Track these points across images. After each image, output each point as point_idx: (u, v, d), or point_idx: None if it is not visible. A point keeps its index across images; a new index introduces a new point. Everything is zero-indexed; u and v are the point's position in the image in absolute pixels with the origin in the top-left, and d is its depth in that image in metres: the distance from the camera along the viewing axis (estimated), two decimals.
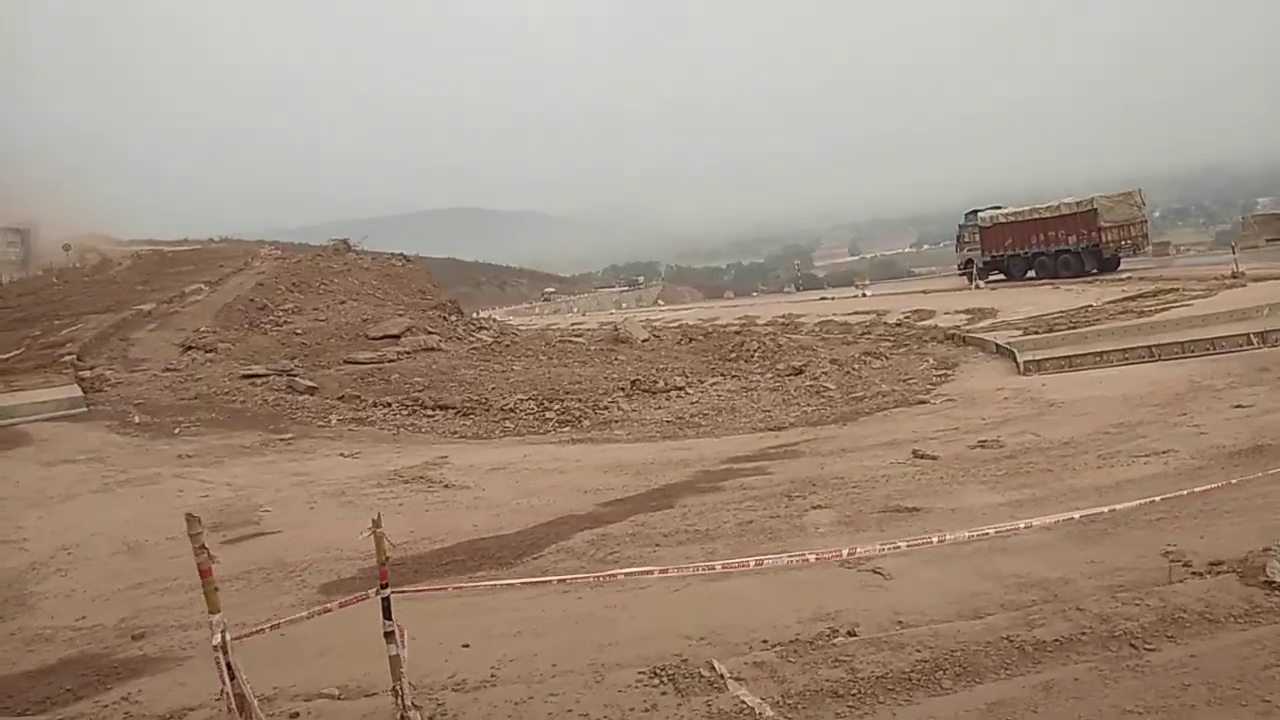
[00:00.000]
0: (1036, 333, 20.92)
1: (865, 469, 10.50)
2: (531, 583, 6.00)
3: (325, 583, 7.78)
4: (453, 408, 15.96)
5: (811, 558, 6.23)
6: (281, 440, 14.11)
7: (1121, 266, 34.68)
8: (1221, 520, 7.21)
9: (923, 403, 15.30)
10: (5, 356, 22.20)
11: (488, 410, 15.82)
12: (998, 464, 10.15)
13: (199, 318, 28.25)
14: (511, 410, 15.79)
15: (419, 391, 18.37)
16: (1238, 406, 11.73)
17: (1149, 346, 16.73)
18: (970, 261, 39.35)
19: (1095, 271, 33.79)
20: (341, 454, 13.18)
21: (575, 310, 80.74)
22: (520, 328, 51.73)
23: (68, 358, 20.78)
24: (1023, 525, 7.22)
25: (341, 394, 17.15)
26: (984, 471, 9.87)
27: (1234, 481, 7.22)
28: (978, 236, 38.73)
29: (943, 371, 19.13)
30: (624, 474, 11.27)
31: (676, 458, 12.12)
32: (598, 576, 6.02)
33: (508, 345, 26.12)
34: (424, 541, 8.74)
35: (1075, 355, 17.24)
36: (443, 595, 6.31)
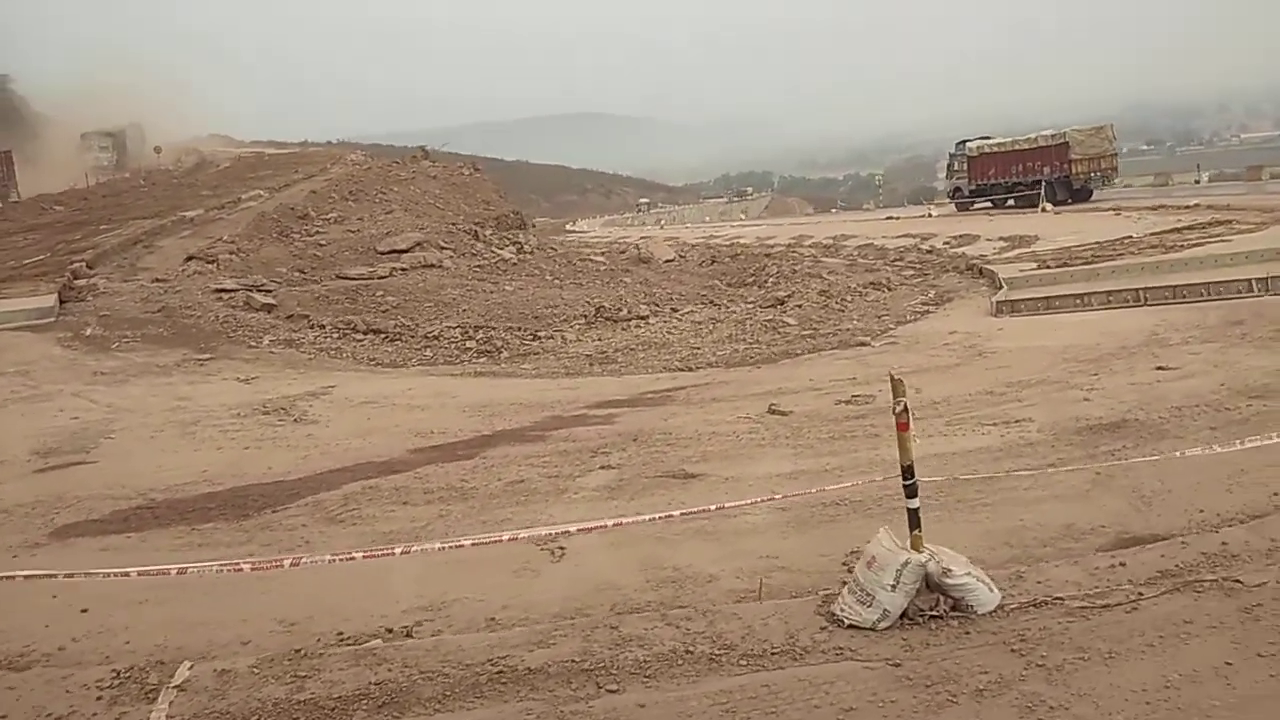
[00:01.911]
0: (1049, 267, 19.38)
1: (708, 423, 9.85)
2: (146, 572, 5.63)
3: (68, 523, 7.75)
4: (382, 332, 15.82)
5: (505, 537, 5.85)
6: (198, 361, 14.26)
7: (1209, 191, 32.80)
8: (955, 515, 6.39)
9: (863, 344, 14.34)
10: (29, 261, 23.24)
11: (413, 337, 15.64)
12: (837, 424, 9.35)
13: (232, 226, 28.82)
14: (435, 338, 15.54)
15: (383, 312, 18.32)
16: (1159, 368, 10.54)
17: (1136, 290, 15.19)
18: (958, 189, 41.11)
19: (1069, 201, 34.74)
20: (239, 378, 13.21)
21: (664, 222, 79.55)
22: (579, 241, 51.57)
23: (74, 266, 21.56)
24: (749, 502, 6.70)
25: (291, 313, 17.23)
26: (814, 433, 9.10)
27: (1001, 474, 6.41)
28: (966, 166, 40.20)
29: (926, 308, 17.96)
30: (480, 415, 10.90)
31: (551, 399, 11.68)
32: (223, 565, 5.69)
33: (514, 264, 25.79)
34: (204, 483, 8.63)
35: (1055, 296, 15.82)
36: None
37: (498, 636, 4.67)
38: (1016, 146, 38.83)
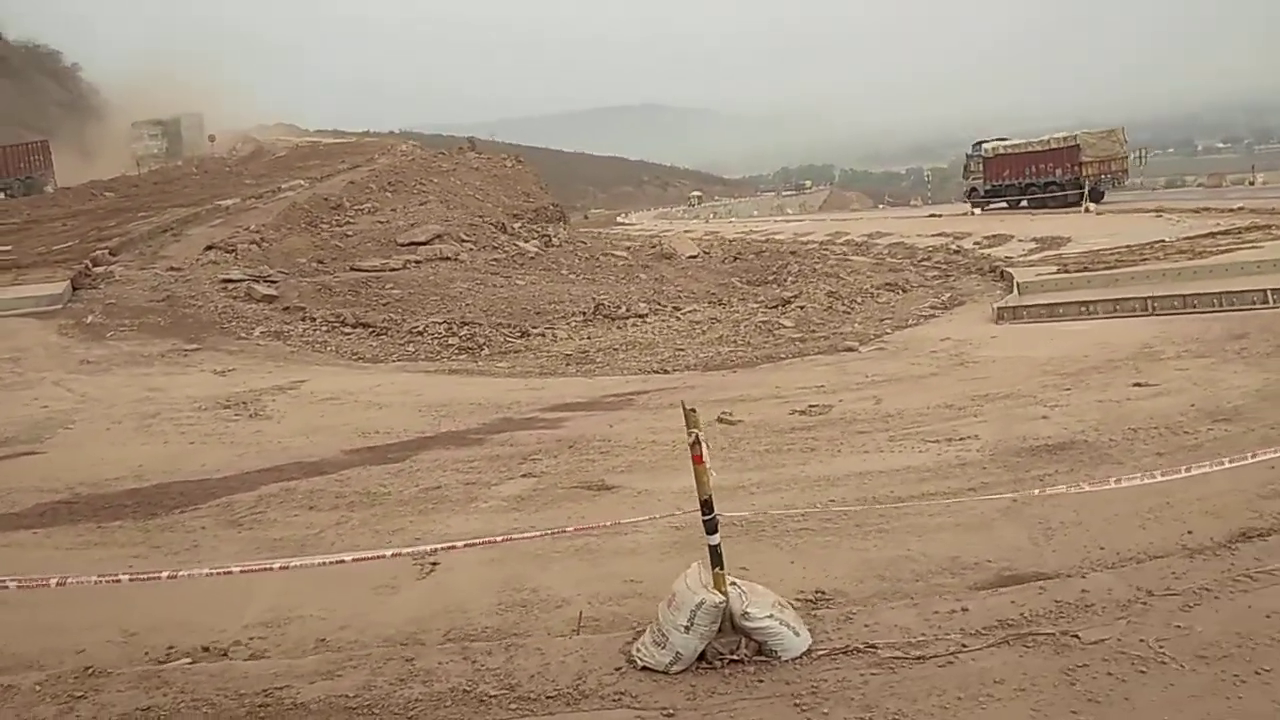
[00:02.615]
0: (1068, 271, 18.68)
1: (651, 431, 9.59)
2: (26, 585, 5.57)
3: None
4: (370, 326, 15.80)
5: (389, 553, 5.71)
6: (183, 351, 14.39)
7: (1262, 194, 31.61)
8: (845, 541, 6.07)
9: (851, 350, 13.93)
10: (58, 247, 23.79)
11: (399, 331, 15.59)
12: (779, 436, 9.04)
13: (264, 215, 29.16)
14: (420, 333, 15.47)
15: (384, 305, 18.37)
16: (1136, 385, 10.00)
17: (1144, 299, 14.50)
18: (974, 189, 41.05)
19: (1079, 203, 34.49)
20: (216, 370, 13.28)
21: (712, 215, 78.84)
22: (622, 234, 51.33)
23: (96, 253, 22.00)
24: (646, 519, 6.46)
25: (288, 305, 17.31)
26: (751, 444, 8.80)
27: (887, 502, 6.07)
28: (981, 166, 40.43)
29: (934, 312, 17.46)
30: (433, 415, 10.78)
31: (511, 399, 11.51)
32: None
33: (532, 258, 25.71)
34: (133, 479, 8.63)
35: (1060, 304, 15.20)
36: None
37: (292, 664, 4.50)
38: (1030, 148, 39.31)
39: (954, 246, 27.16)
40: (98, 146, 55.16)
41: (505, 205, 36.52)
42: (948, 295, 19.45)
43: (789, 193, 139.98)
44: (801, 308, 17.84)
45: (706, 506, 4.18)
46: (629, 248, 31.33)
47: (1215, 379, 9.97)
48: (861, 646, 4.18)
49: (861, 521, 6.35)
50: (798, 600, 5.20)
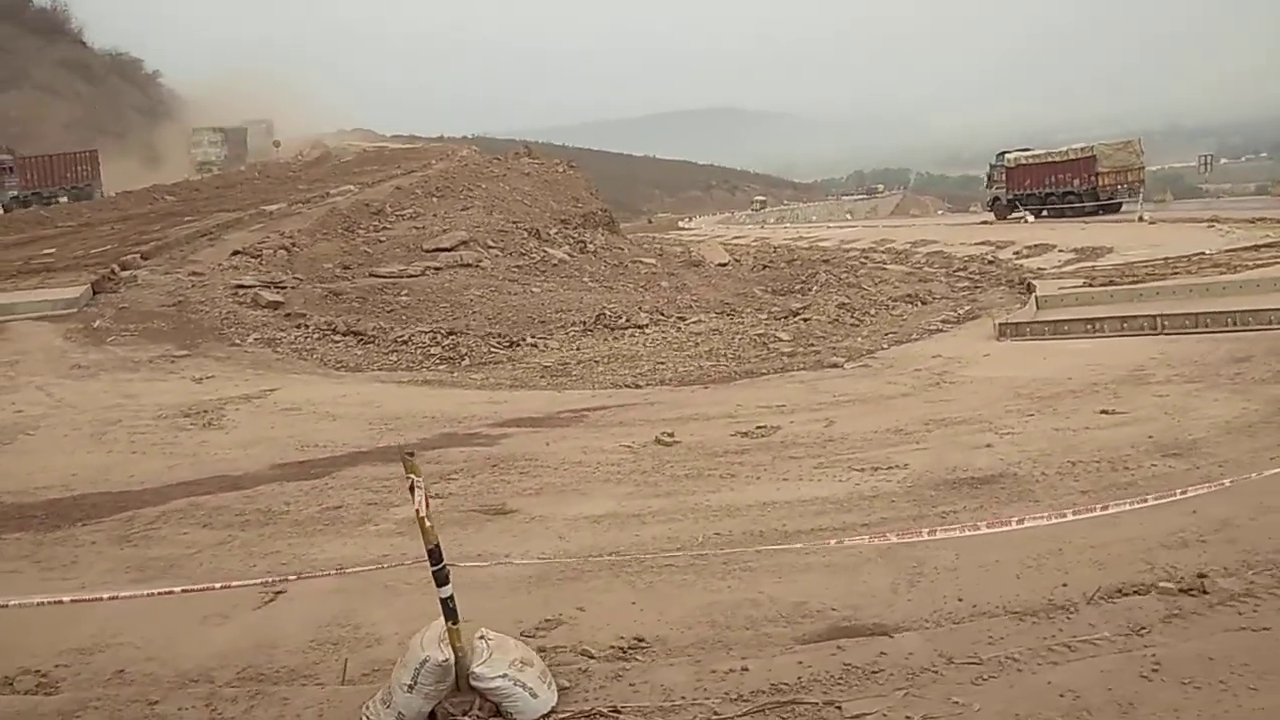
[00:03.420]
0: (1091, 285, 17.87)
1: (585, 450, 9.32)
2: None
3: None
4: (360, 334, 15.80)
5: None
6: (172, 358, 14.53)
7: None
8: (702, 580, 5.73)
9: (835, 366, 13.45)
10: (95, 251, 24.49)
11: (386, 340, 15.55)
12: (710, 459, 8.68)
13: (304, 220, 29.63)
14: (404, 342, 15.40)
15: (389, 312, 18.41)
16: (1103, 412, 9.39)
17: (1154, 317, 13.70)
18: (997, 199, 42.00)
19: (1098, 212, 35.96)
20: (195, 378, 13.41)
21: (773, 220, 78.19)
22: (675, 240, 51.04)
23: (127, 257, 22.55)
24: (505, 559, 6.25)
25: (289, 311, 17.46)
26: (676, 468, 8.47)
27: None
28: (1004, 176, 41.57)
29: (945, 325, 16.85)
30: (380, 429, 10.65)
31: (467, 413, 11.33)
32: None
33: (556, 265, 25.58)
34: (59, 489, 8.66)
35: (1065, 321, 14.47)
36: None
37: (40, 701, 4.37)
38: (1049, 158, 40.80)
39: (990, 257, 26.28)
40: (167, 151, 57.08)
41: (554, 210, 36.44)
42: (966, 309, 18.76)
43: (860, 197, 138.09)
44: (806, 320, 17.36)
45: (433, 556, 3.91)
46: (660, 254, 31.03)
47: (1191, 407, 9.31)
48: (605, 711, 3.87)
49: (730, 559, 6.00)
50: (611, 649, 4.92)
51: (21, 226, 32.05)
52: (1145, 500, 6.14)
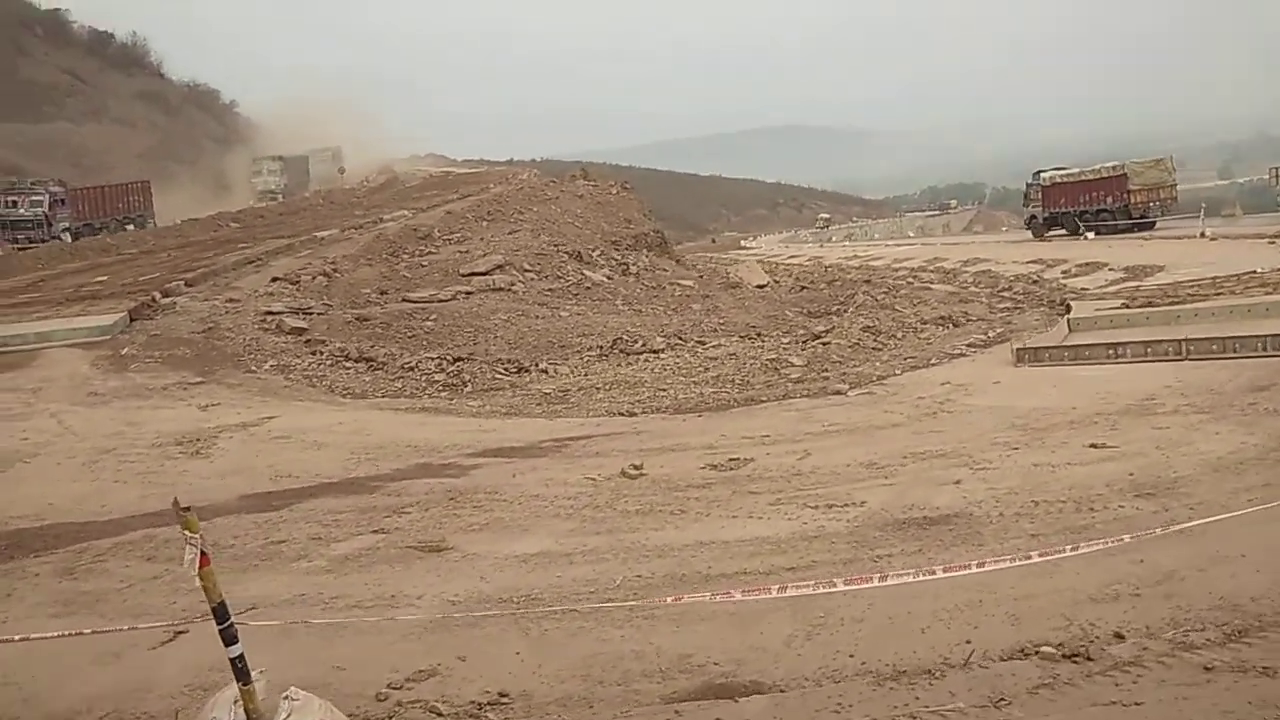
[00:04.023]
0: (1129, 306, 17.12)
1: (549, 483, 9.16)
2: None
3: None
4: (370, 360, 15.90)
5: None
6: (186, 385, 14.81)
7: None
8: (603, 629, 5.50)
9: (838, 393, 13.06)
10: (143, 279, 25.23)
11: (393, 367, 15.61)
12: (669, 493, 8.44)
13: (352, 246, 30.15)
14: (411, 369, 15.42)
15: (410, 337, 18.57)
16: (1092, 446, 8.91)
17: (1179, 341, 13.00)
18: (1034, 217, 42.28)
19: (1131, 229, 36.16)
20: (200, 405, 13.62)
21: (836, 239, 77.18)
22: (732, 260, 50.66)
23: (170, 284, 23.17)
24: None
25: (310, 338, 17.66)
26: (630, 502, 8.24)
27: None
28: (1040, 195, 41.76)
29: (971, 350, 16.28)
30: (360, 458, 10.61)
31: (450, 442, 11.25)
32: None
33: (589, 288, 25.53)
34: (30, 519, 8.75)
35: (1085, 345, 13.84)
36: None
37: None
38: (1083, 177, 41.06)
39: (1036, 276, 25.45)
40: (236, 179, 58.84)
41: (604, 232, 36.39)
42: (998, 331, 18.15)
43: (933, 212, 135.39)
44: (825, 344, 16.96)
45: (217, 614, 3.78)
46: (700, 276, 30.79)
47: (1187, 441, 8.77)
48: None
49: (636, 606, 5.77)
50: (472, 703, 4.74)
51: (86, 254, 33.24)
52: (1095, 544, 5.80)
